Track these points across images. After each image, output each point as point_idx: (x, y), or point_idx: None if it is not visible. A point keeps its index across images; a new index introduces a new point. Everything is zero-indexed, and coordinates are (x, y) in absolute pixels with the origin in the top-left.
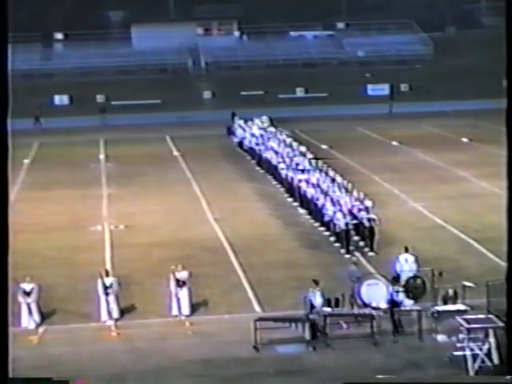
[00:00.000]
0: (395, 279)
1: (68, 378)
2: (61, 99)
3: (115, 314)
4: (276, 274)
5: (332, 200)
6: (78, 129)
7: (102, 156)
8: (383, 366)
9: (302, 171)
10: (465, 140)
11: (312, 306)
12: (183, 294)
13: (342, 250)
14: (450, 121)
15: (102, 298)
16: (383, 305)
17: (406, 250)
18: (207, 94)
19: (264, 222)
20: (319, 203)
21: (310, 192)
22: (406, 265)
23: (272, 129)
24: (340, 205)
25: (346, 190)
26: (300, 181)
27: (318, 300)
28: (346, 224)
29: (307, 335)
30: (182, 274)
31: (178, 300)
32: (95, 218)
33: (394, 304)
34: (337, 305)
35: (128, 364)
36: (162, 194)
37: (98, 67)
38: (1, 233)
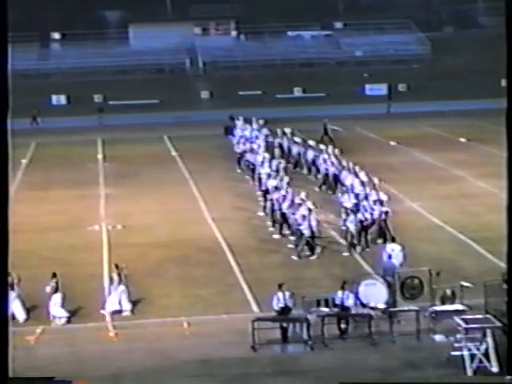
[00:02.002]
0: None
1: (66, 378)
2: (58, 99)
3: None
4: (274, 275)
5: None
6: (75, 129)
7: (99, 156)
8: (381, 366)
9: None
10: (462, 140)
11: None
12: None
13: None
14: (448, 121)
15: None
16: (381, 305)
17: (393, 240)
18: (205, 94)
19: (262, 222)
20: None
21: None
22: (393, 253)
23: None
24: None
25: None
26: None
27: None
28: (361, 221)
29: (305, 335)
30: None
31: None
32: (93, 218)
33: (342, 308)
34: (326, 305)
35: (126, 364)
36: (160, 193)
37: (96, 67)
38: (1, 233)
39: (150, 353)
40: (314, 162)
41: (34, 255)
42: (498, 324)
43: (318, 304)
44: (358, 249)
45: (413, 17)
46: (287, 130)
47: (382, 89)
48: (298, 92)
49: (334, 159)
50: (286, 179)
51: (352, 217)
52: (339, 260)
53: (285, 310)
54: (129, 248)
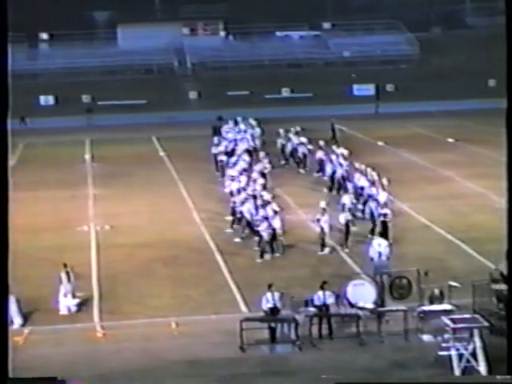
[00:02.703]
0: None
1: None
2: (46, 99)
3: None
4: (262, 275)
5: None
6: (63, 129)
7: (87, 156)
8: (369, 366)
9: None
10: (450, 140)
11: (272, 309)
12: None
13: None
14: (436, 121)
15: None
16: (369, 305)
17: (381, 235)
18: (193, 95)
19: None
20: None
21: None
22: (380, 248)
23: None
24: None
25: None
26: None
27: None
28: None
29: (293, 335)
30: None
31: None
32: (81, 219)
33: (321, 308)
34: (306, 305)
35: (114, 365)
36: (148, 194)
37: (84, 67)
38: (1, 233)
39: (139, 353)
40: (321, 163)
41: (23, 256)
42: (486, 324)
43: (306, 304)
44: (345, 249)
45: (401, 17)
46: (293, 130)
47: (370, 89)
48: (286, 92)
49: (342, 160)
50: (261, 181)
51: (326, 217)
52: (327, 260)
53: (274, 311)
54: (117, 248)
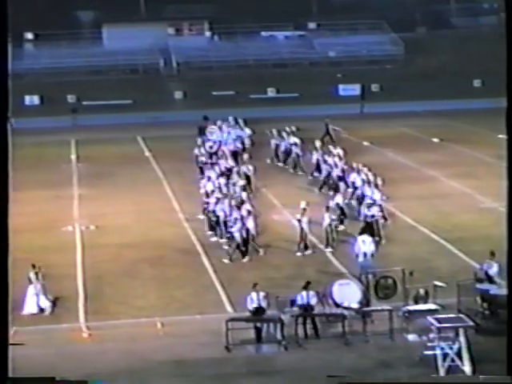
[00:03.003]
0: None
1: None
2: (31, 99)
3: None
4: (248, 275)
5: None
6: (48, 129)
7: (73, 156)
8: (355, 365)
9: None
10: (435, 140)
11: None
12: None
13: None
14: (421, 121)
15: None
16: (355, 305)
17: (364, 232)
18: (178, 95)
19: None
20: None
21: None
22: (364, 246)
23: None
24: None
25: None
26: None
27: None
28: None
29: (279, 335)
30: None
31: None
32: (66, 219)
33: (306, 308)
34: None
35: (99, 365)
36: (134, 194)
37: (69, 67)
38: (1, 233)
39: (124, 353)
40: (317, 163)
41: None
42: (471, 323)
43: (292, 304)
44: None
45: (386, 17)
46: (288, 130)
47: (355, 89)
48: (271, 92)
49: (337, 160)
50: (241, 182)
51: (306, 218)
52: (313, 260)
53: (259, 310)
54: (102, 248)
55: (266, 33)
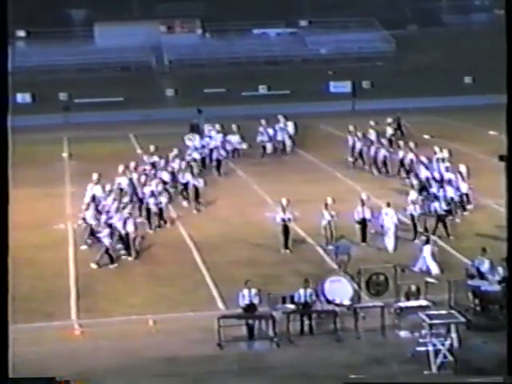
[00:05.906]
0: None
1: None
2: (23, 97)
3: None
4: (239, 272)
5: None
6: (40, 127)
7: (65, 154)
8: (347, 362)
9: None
10: (426, 137)
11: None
12: None
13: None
14: (412, 118)
15: None
16: (346, 301)
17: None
18: (170, 92)
19: (227, 220)
20: None
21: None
22: (386, 218)
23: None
24: None
25: None
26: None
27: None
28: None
29: (271, 332)
30: None
31: None
32: (58, 217)
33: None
34: (292, 302)
35: (92, 363)
36: None
37: (61, 65)
38: (1, 233)
39: (116, 351)
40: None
41: None
42: (462, 319)
43: (284, 301)
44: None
45: (377, 15)
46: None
47: (346, 86)
48: (263, 90)
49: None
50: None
51: (289, 215)
52: (305, 257)
53: (250, 307)
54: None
55: (257, 30)
